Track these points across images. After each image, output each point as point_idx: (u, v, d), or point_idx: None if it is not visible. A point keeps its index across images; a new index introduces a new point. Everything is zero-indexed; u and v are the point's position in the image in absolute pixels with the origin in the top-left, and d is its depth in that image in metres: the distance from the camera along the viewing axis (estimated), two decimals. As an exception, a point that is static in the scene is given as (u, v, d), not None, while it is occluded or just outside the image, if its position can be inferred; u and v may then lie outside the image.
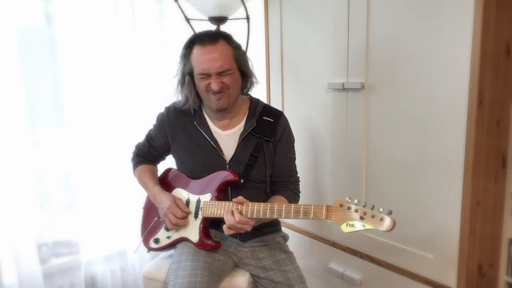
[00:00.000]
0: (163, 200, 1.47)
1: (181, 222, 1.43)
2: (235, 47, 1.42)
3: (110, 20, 1.80)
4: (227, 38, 1.41)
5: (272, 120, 1.50)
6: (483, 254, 1.43)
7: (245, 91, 1.51)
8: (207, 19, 1.84)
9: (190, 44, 1.40)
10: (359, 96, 1.62)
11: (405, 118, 1.49)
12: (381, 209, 1.16)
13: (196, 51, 1.38)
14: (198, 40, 1.38)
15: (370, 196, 1.64)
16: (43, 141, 1.79)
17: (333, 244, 1.84)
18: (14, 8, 1.60)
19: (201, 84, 1.39)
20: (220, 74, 1.36)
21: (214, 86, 1.36)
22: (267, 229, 1.54)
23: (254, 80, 1.50)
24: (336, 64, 1.69)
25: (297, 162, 1.59)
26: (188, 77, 1.42)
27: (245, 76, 1.46)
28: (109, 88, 1.84)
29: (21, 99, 1.62)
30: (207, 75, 1.37)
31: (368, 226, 1.17)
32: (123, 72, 1.86)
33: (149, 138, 1.61)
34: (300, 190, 1.59)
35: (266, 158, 1.48)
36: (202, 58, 1.36)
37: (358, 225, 1.18)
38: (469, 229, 1.35)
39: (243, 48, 1.48)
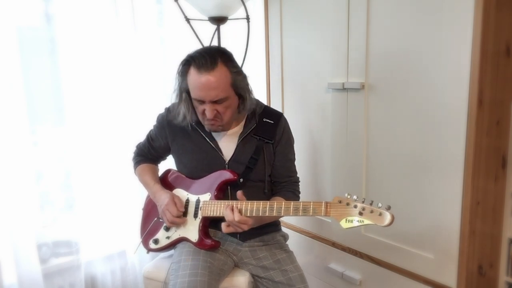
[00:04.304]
0: (161, 197, 1.48)
1: (177, 220, 1.43)
2: (235, 72, 1.35)
3: (110, 20, 1.80)
4: (226, 60, 1.34)
5: (272, 122, 1.50)
6: (483, 254, 1.43)
7: (241, 109, 1.44)
8: (207, 19, 1.84)
9: (187, 62, 1.35)
10: (359, 96, 1.62)
11: (405, 118, 1.49)
12: (379, 204, 1.17)
13: (192, 74, 1.33)
14: (195, 63, 1.32)
15: (370, 196, 1.63)
16: (43, 140, 1.79)
17: (333, 244, 1.84)
18: (14, 8, 1.60)
19: (198, 108, 1.39)
20: (214, 102, 1.34)
21: (208, 114, 1.35)
22: (267, 228, 1.54)
23: (252, 99, 1.45)
24: (336, 64, 1.69)
25: (297, 162, 1.59)
26: (185, 94, 1.40)
27: (242, 98, 1.41)
28: (109, 88, 1.84)
29: (21, 99, 1.62)
30: (201, 101, 1.35)
31: (367, 222, 1.17)
32: (123, 72, 1.86)
33: (150, 138, 1.61)
34: (300, 190, 1.59)
35: (266, 159, 1.48)
36: (196, 85, 1.32)
37: (357, 221, 1.18)
38: (469, 229, 1.35)
39: (243, 47, 1.47)
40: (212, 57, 1.31)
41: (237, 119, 1.50)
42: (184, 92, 1.40)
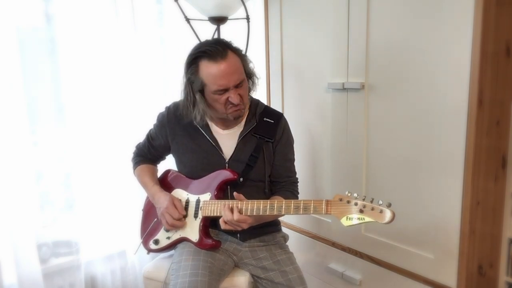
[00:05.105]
0: (161, 200, 1.47)
1: (177, 223, 1.44)
2: (240, 54, 1.39)
3: (110, 20, 1.80)
4: (231, 47, 1.37)
5: (272, 121, 1.50)
6: (483, 254, 1.43)
7: (251, 91, 1.49)
8: (207, 19, 1.84)
9: (195, 60, 1.35)
10: (359, 96, 1.62)
11: (405, 118, 1.49)
12: (380, 202, 1.17)
13: (207, 67, 1.33)
14: (206, 55, 1.33)
15: (370, 196, 1.63)
16: (43, 141, 1.79)
17: (333, 244, 1.84)
18: (14, 8, 1.59)
19: (220, 99, 1.36)
20: (237, 86, 1.35)
21: (235, 99, 1.35)
22: (267, 228, 1.54)
23: (256, 78, 1.48)
24: (336, 64, 1.69)
25: (297, 161, 1.59)
26: (199, 94, 1.38)
27: (249, 78, 1.45)
28: (109, 88, 1.84)
29: (21, 99, 1.61)
30: (224, 90, 1.34)
31: (368, 219, 1.18)
32: (123, 72, 1.86)
33: (150, 137, 1.61)
34: (300, 191, 1.59)
35: (265, 159, 1.48)
36: (217, 73, 1.32)
37: (358, 218, 1.19)
38: (469, 229, 1.35)
39: (243, 47, 1.48)
40: (220, 45, 1.34)
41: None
42: (197, 92, 1.38)
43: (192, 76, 1.37)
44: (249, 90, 1.47)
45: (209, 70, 1.32)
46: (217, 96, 1.36)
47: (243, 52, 1.45)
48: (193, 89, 1.38)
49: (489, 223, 1.42)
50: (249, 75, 1.44)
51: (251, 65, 1.45)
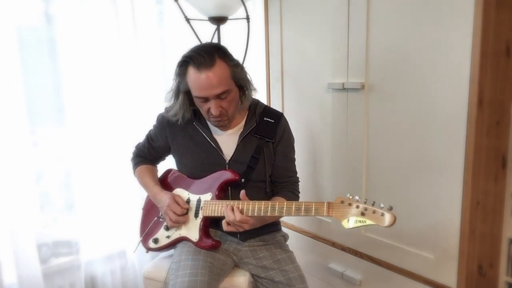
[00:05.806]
0: (162, 199, 1.48)
1: (181, 219, 1.44)
2: (233, 65, 1.36)
3: (110, 20, 1.80)
4: (223, 55, 1.34)
5: (273, 121, 1.50)
6: (483, 254, 1.43)
7: (244, 100, 1.46)
8: (207, 19, 1.84)
9: (184, 63, 1.35)
10: (359, 96, 1.62)
11: (405, 118, 1.49)
12: (382, 205, 1.17)
13: (192, 73, 1.33)
14: (192, 63, 1.32)
15: (370, 196, 1.64)
16: (43, 141, 1.79)
17: (333, 244, 1.84)
18: (14, 8, 1.60)
19: (201, 107, 1.38)
20: (218, 97, 1.34)
21: (214, 111, 1.35)
22: (267, 228, 1.54)
23: (253, 90, 1.46)
24: (336, 64, 1.69)
25: (297, 162, 1.60)
26: (183, 95, 1.40)
27: (243, 89, 1.43)
28: (109, 88, 1.84)
29: (21, 99, 1.61)
30: (205, 99, 1.35)
31: (369, 222, 1.17)
32: (123, 72, 1.86)
33: (149, 138, 1.61)
34: (300, 190, 1.59)
35: (266, 159, 1.48)
36: (198, 83, 1.32)
37: (360, 221, 1.19)
38: (469, 229, 1.35)
39: (243, 47, 1.47)
40: (209, 54, 1.32)
41: (237, 117, 1.50)
42: (181, 93, 1.40)
43: (179, 77, 1.38)
44: (243, 98, 1.44)
45: (193, 78, 1.33)
46: (200, 103, 1.38)
47: (239, 61, 1.42)
48: (179, 89, 1.40)
49: (489, 223, 1.42)
50: (241, 86, 1.41)
51: (244, 74, 1.41)
